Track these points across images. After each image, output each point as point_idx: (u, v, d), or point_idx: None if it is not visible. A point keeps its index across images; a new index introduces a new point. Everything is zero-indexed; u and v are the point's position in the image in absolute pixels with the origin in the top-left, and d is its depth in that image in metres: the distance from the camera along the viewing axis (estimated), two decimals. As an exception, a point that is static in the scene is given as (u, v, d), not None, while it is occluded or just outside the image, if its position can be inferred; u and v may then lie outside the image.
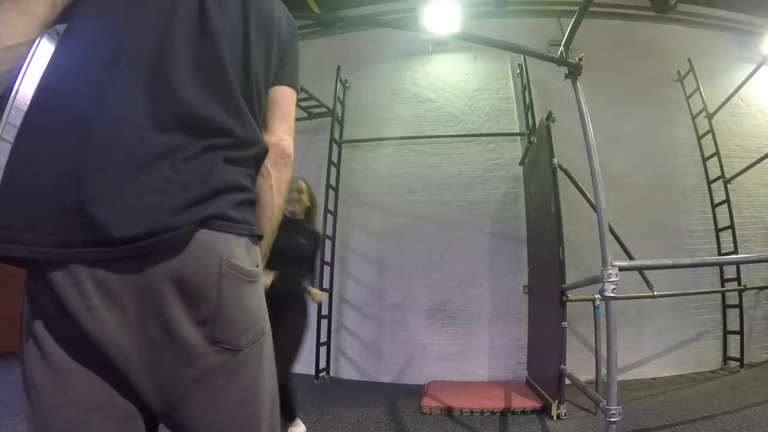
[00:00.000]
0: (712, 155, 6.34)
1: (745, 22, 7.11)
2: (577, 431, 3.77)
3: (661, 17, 7.14)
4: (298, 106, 6.57)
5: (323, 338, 6.02)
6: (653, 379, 5.54)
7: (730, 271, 6.07)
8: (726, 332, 5.97)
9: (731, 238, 6.00)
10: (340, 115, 6.99)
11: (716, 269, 6.13)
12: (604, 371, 3.40)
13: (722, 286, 6.07)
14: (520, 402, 4.49)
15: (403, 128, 6.86)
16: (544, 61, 3.98)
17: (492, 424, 4.00)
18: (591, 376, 4.53)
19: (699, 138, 6.55)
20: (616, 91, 6.49)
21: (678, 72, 6.84)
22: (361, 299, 6.40)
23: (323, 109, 6.84)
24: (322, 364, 5.95)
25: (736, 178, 6.16)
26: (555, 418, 4.04)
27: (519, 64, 6.69)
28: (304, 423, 3.75)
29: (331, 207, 6.42)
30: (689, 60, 6.67)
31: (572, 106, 3.53)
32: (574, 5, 3.71)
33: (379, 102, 7.11)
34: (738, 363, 5.70)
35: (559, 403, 4.10)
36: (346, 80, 7.19)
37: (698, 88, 6.54)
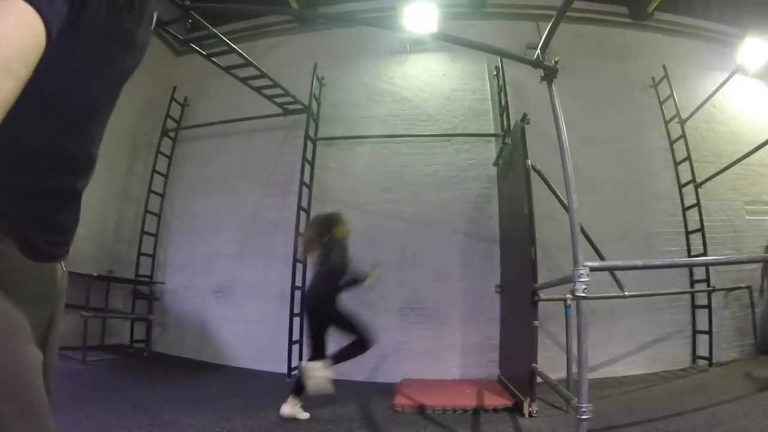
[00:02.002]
0: (684, 160, 6.46)
1: (719, 32, 7.29)
2: (548, 429, 3.77)
3: (637, 24, 7.27)
4: (273, 102, 6.59)
5: (295, 336, 5.94)
6: (624, 377, 5.62)
7: (699, 273, 6.19)
8: (695, 332, 6.08)
9: (701, 241, 6.12)
10: (315, 112, 6.92)
11: (686, 270, 6.25)
12: (575, 369, 3.41)
13: (692, 287, 6.18)
14: (492, 400, 4.49)
15: (378, 127, 6.83)
16: (520, 63, 4.00)
17: (464, 422, 3.99)
18: (562, 375, 4.53)
19: (671, 143, 6.68)
20: (591, 95, 6.59)
21: (653, 78, 6.97)
22: (334, 297, 6.32)
23: (299, 106, 6.77)
24: (295, 362, 5.87)
25: (706, 183, 6.27)
26: (527, 415, 4.05)
27: (496, 66, 6.74)
28: (277, 419, 3.74)
29: (304, 204, 6.36)
30: (664, 66, 6.81)
31: (547, 108, 3.55)
32: (552, 9, 3.72)
33: (355, 100, 7.08)
34: (707, 362, 5.82)
35: (531, 401, 4.11)
36: (322, 77, 7.13)
37: (672, 95, 6.67)
